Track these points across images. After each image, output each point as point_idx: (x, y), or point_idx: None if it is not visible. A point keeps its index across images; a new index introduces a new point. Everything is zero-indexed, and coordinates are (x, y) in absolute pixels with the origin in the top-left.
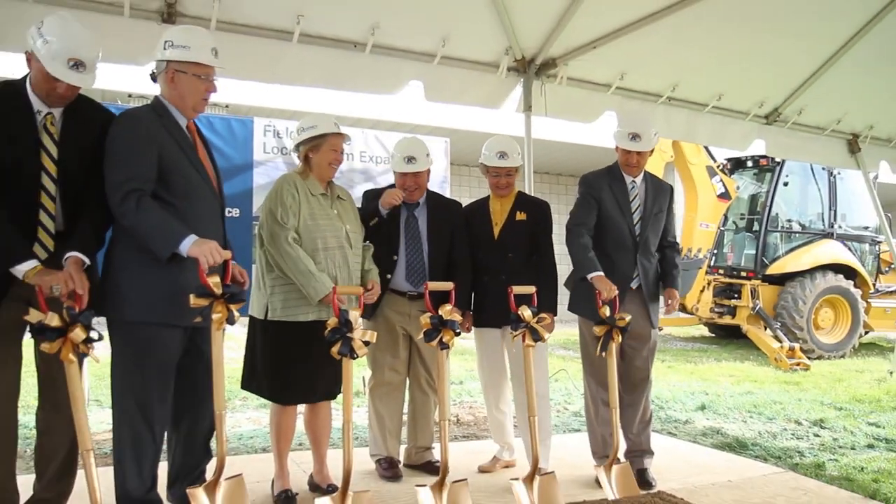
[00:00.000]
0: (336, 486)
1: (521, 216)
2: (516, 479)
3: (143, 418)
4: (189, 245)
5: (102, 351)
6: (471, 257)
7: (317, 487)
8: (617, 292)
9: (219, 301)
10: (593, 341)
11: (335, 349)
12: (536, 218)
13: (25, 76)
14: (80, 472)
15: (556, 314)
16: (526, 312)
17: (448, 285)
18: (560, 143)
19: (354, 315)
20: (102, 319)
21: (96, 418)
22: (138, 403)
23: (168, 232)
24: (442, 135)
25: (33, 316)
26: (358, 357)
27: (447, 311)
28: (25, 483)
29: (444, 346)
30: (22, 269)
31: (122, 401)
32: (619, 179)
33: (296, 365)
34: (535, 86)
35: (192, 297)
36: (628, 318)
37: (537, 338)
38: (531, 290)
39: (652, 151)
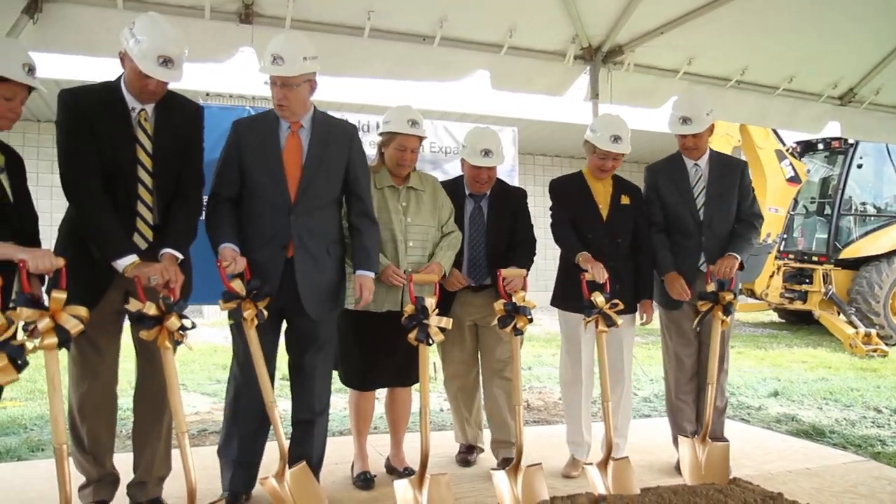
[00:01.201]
0: (413, 469)
1: (625, 200)
2: (590, 463)
3: (236, 395)
4: (219, 249)
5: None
6: (534, 237)
7: (393, 470)
8: (686, 296)
9: (246, 301)
10: (671, 330)
11: (412, 335)
12: (637, 202)
13: (119, 77)
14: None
15: (653, 299)
16: (599, 298)
17: (521, 272)
18: None
19: (430, 302)
20: (197, 308)
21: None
22: (235, 382)
23: (212, 236)
24: (508, 124)
25: (133, 305)
26: (434, 343)
27: (520, 297)
28: (125, 461)
29: (518, 332)
30: (122, 264)
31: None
32: (679, 165)
33: (366, 352)
34: (601, 73)
35: (220, 302)
36: (729, 296)
37: (611, 323)
38: (604, 276)
39: (712, 131)
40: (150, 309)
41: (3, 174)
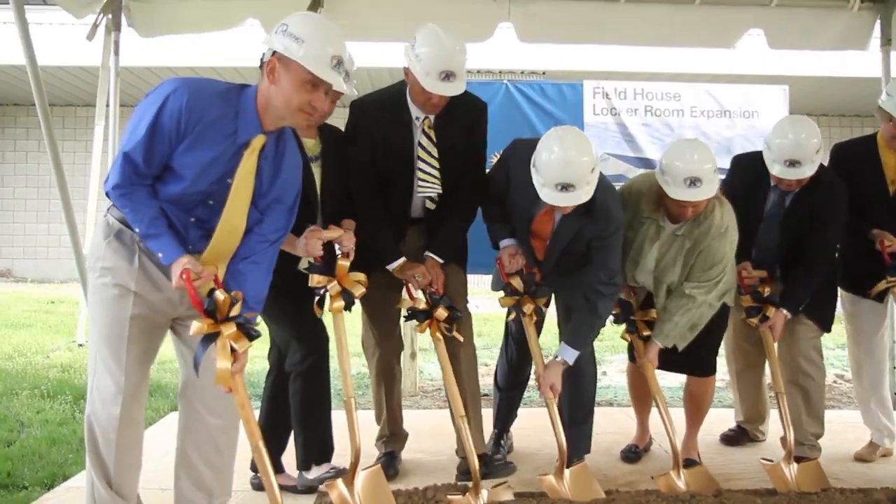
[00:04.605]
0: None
1: None
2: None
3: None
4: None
5: None
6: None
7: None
8: None
9: (525, 297)
10: None
11: (624, 331)
12: None
13: (404, 82)
14: None
15: None
16: None
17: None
18: None
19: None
20: None
21: None
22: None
23: (492, 231)
24: (776, 82)
25: (405, 304)
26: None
27: (765, 289)
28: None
29: (765, 318)
30: (393, 266)
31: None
32: None
33: None
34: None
35: (500, 298)
36: None
37: None
38: None
39: None
40: (420, 304)
41: (316, 163)
